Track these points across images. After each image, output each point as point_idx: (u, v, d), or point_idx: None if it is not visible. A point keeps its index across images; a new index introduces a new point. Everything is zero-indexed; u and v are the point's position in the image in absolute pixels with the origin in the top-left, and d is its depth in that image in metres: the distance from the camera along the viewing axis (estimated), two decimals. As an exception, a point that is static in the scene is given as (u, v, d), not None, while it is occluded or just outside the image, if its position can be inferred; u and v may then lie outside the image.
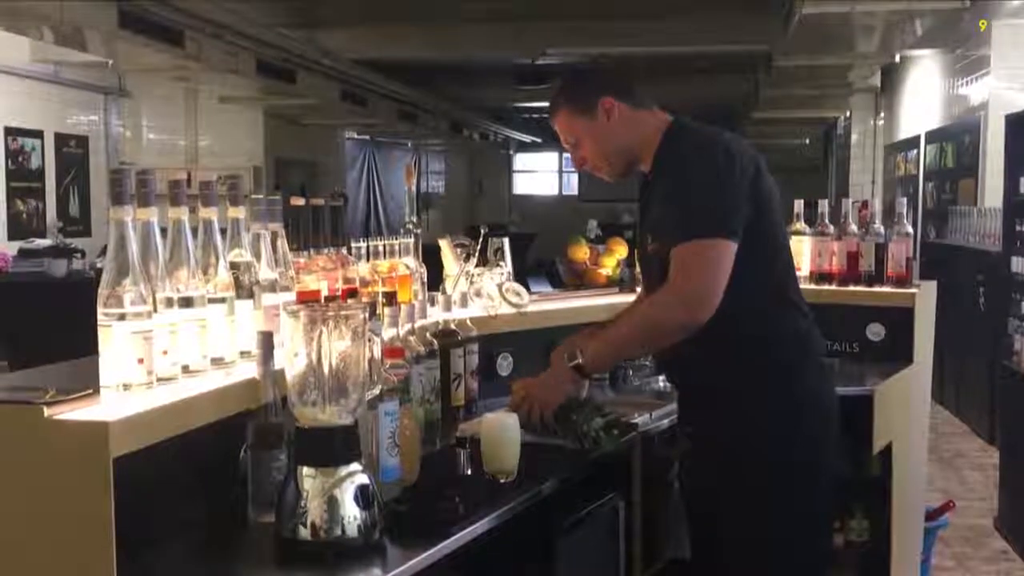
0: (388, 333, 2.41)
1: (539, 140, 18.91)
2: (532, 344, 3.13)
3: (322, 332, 1.84)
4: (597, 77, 2.70)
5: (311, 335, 1.84)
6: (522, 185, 21.57)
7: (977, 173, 8.20)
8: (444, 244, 3.23)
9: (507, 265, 3.30)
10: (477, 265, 3.20)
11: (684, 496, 2.75)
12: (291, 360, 1.86)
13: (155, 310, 1.83)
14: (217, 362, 2.02)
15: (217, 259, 2.04)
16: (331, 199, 2.81)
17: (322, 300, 2.18)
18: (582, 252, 3.89)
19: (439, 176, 19.80)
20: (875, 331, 3.67)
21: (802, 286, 2.70)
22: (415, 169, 3.73)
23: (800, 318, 2.55)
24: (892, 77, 11.71)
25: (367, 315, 1.94)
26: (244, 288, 2.11)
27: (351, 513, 1.82)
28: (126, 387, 1.78)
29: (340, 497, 1.82)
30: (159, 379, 1.83)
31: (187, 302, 1.92)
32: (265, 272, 2.19)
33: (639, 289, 2.99)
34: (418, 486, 2.15)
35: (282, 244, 2.30)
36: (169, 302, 1.89)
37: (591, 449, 2.50)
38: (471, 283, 3.14)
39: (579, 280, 3.88)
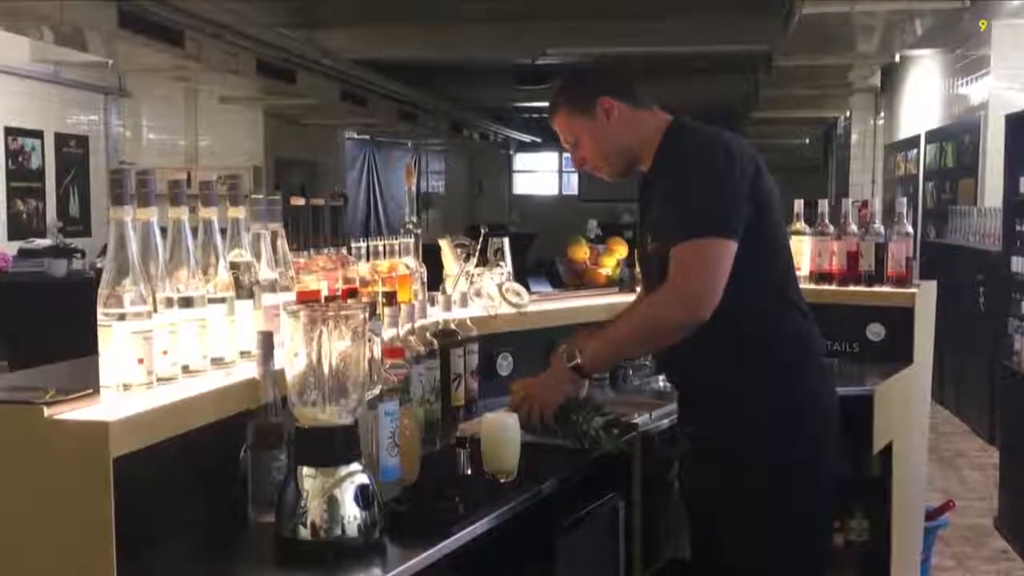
0: (388, 333, 2.41)
1: (539, 140, 18.89)
2: (532, 344, 3.13)
3: (322, 332, 1.84)
4: (597, 77, 2.70)
5: (311, 335, 1.84)
6: (522, 185, 21.55)
7: (977, 173, 8.20)
8: (444, 244, 3.22)
9: (507, 265, 3.29)
10: (477, 265, 3.20)
11: (684, 496, 2.75)
12: (291, 360, 1.86)
13: (155, 310, 1.83)
14: (217, 362, 2.02)
15: (217, 259, 2.04)
16: (331, 199, 2.81)
17: (322, 300, 2.18)
18: (582, 252, 3.89)
19: (439, 176, 19.79)
20: (875, 331, 3.67)
21: (802, 286, 2.70)
22: (415, 169, 3.73)
23: (800, 318, 2.55)
24: (892, 77, 11.70)
25: (367, 315, 1.94)
26: (244, 288, 2.11)
27: (351, 513, 1.82)
28: (126, 387, 1.78)
29: (340, 497, 1.82)
30: (159, 379, 1.83)
31: (187, 302, 1.92)
32: (265, 272, 2.19)
33: (639, 289, 2.98)
34: (418, 486, 2.14)
35: (282, 244, 2.30)
36: (169, 302, 1.89)
37: (591, 449, 2.50)
38: (471, 283, 3.13)
39: (579, 280, 3.88)
